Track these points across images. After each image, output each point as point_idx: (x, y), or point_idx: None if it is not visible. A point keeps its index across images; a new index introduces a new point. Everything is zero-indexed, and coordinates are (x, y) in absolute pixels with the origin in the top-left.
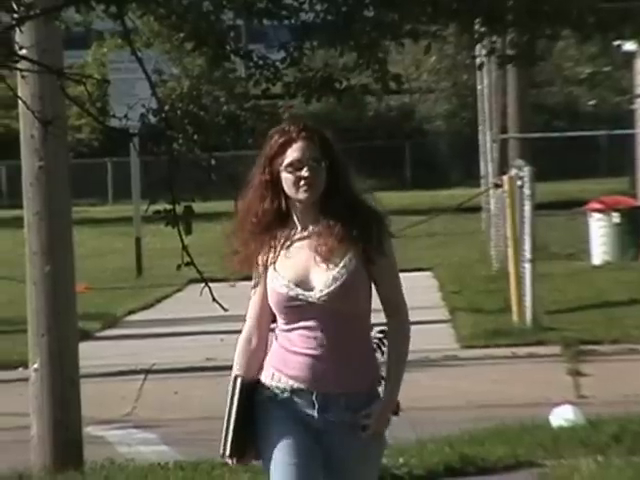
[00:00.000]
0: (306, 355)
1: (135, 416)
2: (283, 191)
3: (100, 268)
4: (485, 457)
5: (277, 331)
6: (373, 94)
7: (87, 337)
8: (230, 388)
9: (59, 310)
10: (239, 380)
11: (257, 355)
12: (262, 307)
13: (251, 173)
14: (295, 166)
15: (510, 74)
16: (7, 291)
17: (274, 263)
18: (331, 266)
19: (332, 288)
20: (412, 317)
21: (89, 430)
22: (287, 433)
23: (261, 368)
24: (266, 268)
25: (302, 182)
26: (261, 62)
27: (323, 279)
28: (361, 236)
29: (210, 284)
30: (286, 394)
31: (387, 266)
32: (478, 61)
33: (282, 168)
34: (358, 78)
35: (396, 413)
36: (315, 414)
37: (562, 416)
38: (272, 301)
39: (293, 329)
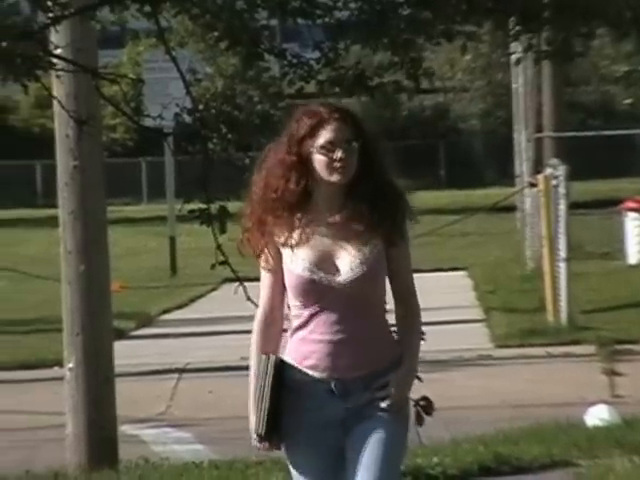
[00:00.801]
0: (324, 342)
1: (170, 415)
2: (310, 173)
3: (134, 267)
4: (520, 456)
5: (291, 318)
6: (405, 90)
7: (122, 336)
8: (261, 367)
9: (94, 309)
10: (272, 359)
11: (276, 332)
12: (277, 289)
13: (268, 150)
14: (328, 148)
15: (545, 72)
16: (42, 290)
17: (294, 245)
18: (356, 251)
19: (357, 273)
20: (447, 316)
21: (124, 429)
22: (314, 443)
23: (280, 344)
24: (285, 249)
25: (336, 164)
26: (295, 61)
27: (348, 264)
28: (387, 219)
29: (244, 283)
30: (307, 387)
31: (405, 251)
32: (514, 57)
33: (314, 150)
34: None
35: (429, 413)
36: (337, 402)
37: (597, 416)
38: (290, 284)
39: (310, 314)
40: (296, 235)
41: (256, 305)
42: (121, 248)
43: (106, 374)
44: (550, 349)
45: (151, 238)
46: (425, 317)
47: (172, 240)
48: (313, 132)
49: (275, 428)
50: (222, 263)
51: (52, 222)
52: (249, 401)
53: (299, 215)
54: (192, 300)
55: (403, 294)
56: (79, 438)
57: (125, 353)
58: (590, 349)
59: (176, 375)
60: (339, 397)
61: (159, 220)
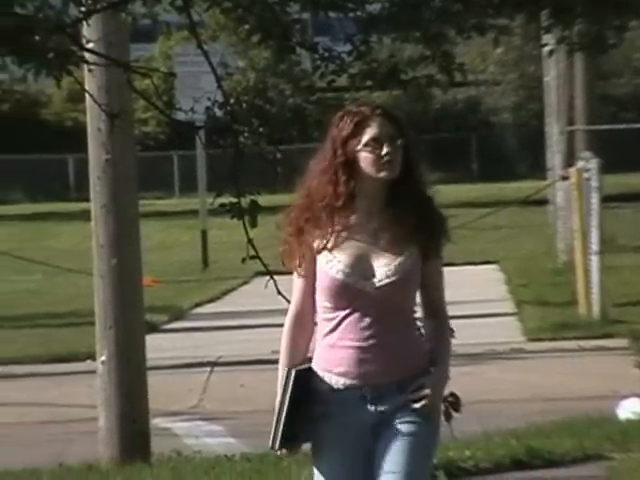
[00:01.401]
0: (354, 348)
1: (202, 408)
2: (356, 174)
3: (166, 261)
4: (552, 450)
5: (320, 323)
6: (438, 85)
7: (154, 330)
8: (282, 380)
9: (126, 303)
10: (293, 373)
11: (306, 336)
12: (309, 293)
13: (314, 160)
14: (374, 144)
15: (577, 65)
16: (75, 284)
17: (331, 247)
18: (394, 256)
19: (393, 279)
20: (479, 310)
21: (156, 422)
22: (342, 447)
23: (309, 348)
24: (321, 251)
25: (384, 159)
26: (327, 54)
27: (384, 269)
28: (426, 231)
29: (275, 277)
30: (338, 394)
31: (439, 267)
32: (546, 49)
33: (360, 147)
34: (424, 71)
35: (457, 409)
36: (368, 408)
37: (630, 409)
38: (323, 285)
39: (341, 318)
40: (334, 238)
41: (287, 300)
42: (153, 242)
43: (138, 367)
44: (582, 342)
45: (183, 232)
46: (457, 311)
47: (204, 234)
48: (357, 130)
49: (292, 438)
50: (253, 257)
51: (84, 216)
52: (275, 406)
53: (340, 219)
54: (224, 294)
55: (433, 310)
56: (112, 431)
57: (157, 346)
58: (623, 342)
59: (208, 368)
60: (371, 403)
61: (191, 214)
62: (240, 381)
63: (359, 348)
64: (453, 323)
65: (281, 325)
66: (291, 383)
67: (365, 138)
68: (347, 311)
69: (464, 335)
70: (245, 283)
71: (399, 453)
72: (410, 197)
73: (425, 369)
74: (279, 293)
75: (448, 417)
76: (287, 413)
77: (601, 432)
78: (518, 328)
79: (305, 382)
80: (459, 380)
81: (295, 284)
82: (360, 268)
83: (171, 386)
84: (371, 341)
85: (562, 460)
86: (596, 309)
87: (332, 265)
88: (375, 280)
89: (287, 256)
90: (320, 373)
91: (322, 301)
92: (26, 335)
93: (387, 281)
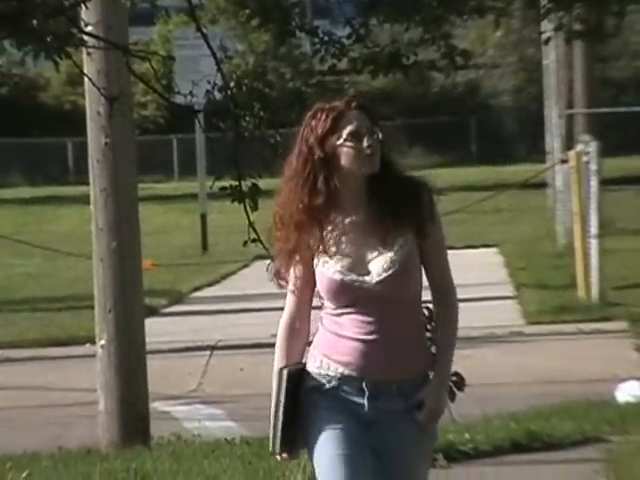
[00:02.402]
0: (358, 340)
1: (201, 392)
2: (336, 171)
3: (166, 244)
4: (551, 433)
5: (324, 315)
6: (440, 70)
7: (153, 313)
8: (276, 382)
9: (125, 286)
10: (285, 372)
11: (300, 342)
12: (305, 290)
13: (287, 162)
14: (355, 139)
15: (577, 49)
16: (74, 267)
17: (324, 249)
18: (387, 249)
19: (390, 272)
20: (479, 293)
21: (156, 406)
22: (334, 423)
23: (304, 354)
24: (315, 255)
25: (366, 152)
26: (326, 38)
27: (380, 263)
28: (414, 211)
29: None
30: (334, 382)
31: (439, 237)
32: (544, 36)
33: (340, 143)
34: (425, 54)
35: (461, 389)
36: (365, 402)
37: (629, 392)
38: (323, 287)
39: (343, 314)
40: (325, 239)
41: (287, 283)
42: (152, 225)
43: (138, 351)
44: (582, 325)
45: (182, 215)
46: (457, 294)
47: (203, 217)
48: (335, 126)
49: (292, 441)
50: (254, 241)
51: (84, 199)
52: (271, 410)
53: (326, 218)
54: (223, 277)
55: (438, 289)
56: (111, 415)
57: (156, 330)
58: (622, 325)
59: (207, 352)
60: (369, 398)
61: (190, 197)
62: (240, 365)
63: (362, 342)
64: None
65: (281, 309)
66: (284, 383)
67: (345, 133)
68: (349, 309)
69: (464, 318)
70: (245, 267)
71: (402, 462)
72: (392, 185)
73: (426, 370)
74: (272, 279)
75: (452, 397)
76: (284, 415)
77: (600, 415)
78: (517, 311)
79: (299, 382)
80: (459, 363)
81: (289, 295)
82: (356, 265)
83: (171, 370)
84: (374, 336)
85: (561, 443)
86: (595, 292)
87: (328, 267)
88: (373, 275)
89: (280, 273)
90: (320, 358)
91: (325, 300)
92: (25, 319)
93: (385, 275)
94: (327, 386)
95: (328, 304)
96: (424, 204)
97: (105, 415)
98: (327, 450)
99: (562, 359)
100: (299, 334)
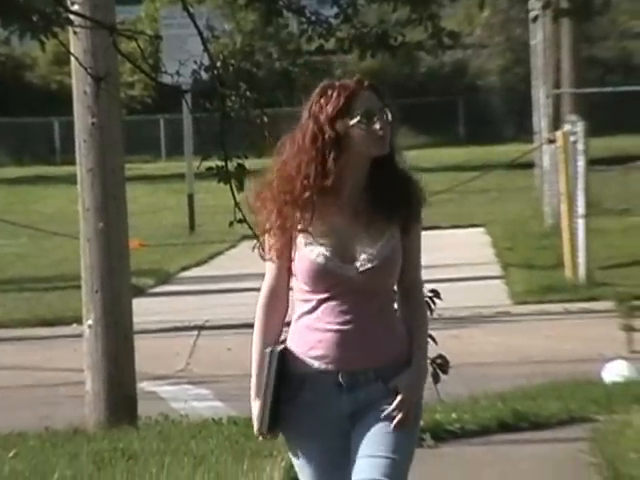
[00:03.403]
0: (332, 331)
1: (189, 372)
2: (345, 151)
3: (153, 225)
4: (538, 412)
5: (297, 303)
6: (428, 51)
7: (141, 293)
8: (265, 362)
9: (112, 266)
10: (275, 354)
11: (279, 319)
12: (284, 272)
13: (290, 136)
14: (368, 119)
15: (564, 29)
16: (61, 248)
17: (311, 230)
18: (375, 239)
19: (375, 263)
20: (466, 273)
21: (143, 386)
22: (319, 440)
23: (282, 332)
24: (298, 233)
25: (378, 134)
26: (314, 18)
27: (367, 252)
28: (405, 207)
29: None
30: (310, 379)
31: (418, 234)
32: (532, 14)
33: (353, 123)
34: (412, 35)
35: (445, 372)
36: (344, 396)
37: (615, 371)
38: (303, 270)
39: (320, 301)
40: (315, 220)
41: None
42: (139, 205)
43: (125, 331)
44: (568, 305)
45: (169, 195)
46: (443, 274)
47: (190, 197)
48: (348, 105)
49: (277, 420)
50: (240, 221)
51: (71, 179)
52: (251, 389)
53: (322, 199)
54: (211, 257)
55: (410, 286)
56: (98, 395)
57: (144, 310)
58: (608, 305)
59: (195, 332)
60: (347, 390)
61: (177, 177)
62: (227, 345)
63: (336, 332)
64: (440, 287)
65: None
66: (275, 364)
67: (358, 113)
68: (326, 295)
69: (450, 299)
70: (232, 247)
71: (380, 437)
72: (391, 175)
73: (404, 357)
74: (262, 259)
75: (437, 379)
76: (272, 396)
77: (586, 394)
78: (504, 291)
79: (283, 363)
80: (445, 343)
81: (269, 267)
82: (342, 252)
83: (158, 350)
84: (349, 326)
85: (548, 422)
86: (582, 272)
87: (313, 248)
88: (357, 265)
89: (268, 243)
90: (294, 355)
91: (300, 283)
92: (12, 299)
93: (369, 266)
94: (304, 385)
95: (304, 288)
96: (415, 202)
97: (92, 395)
98: (306, 464)
99: (549, 339)
100: (278, 311)
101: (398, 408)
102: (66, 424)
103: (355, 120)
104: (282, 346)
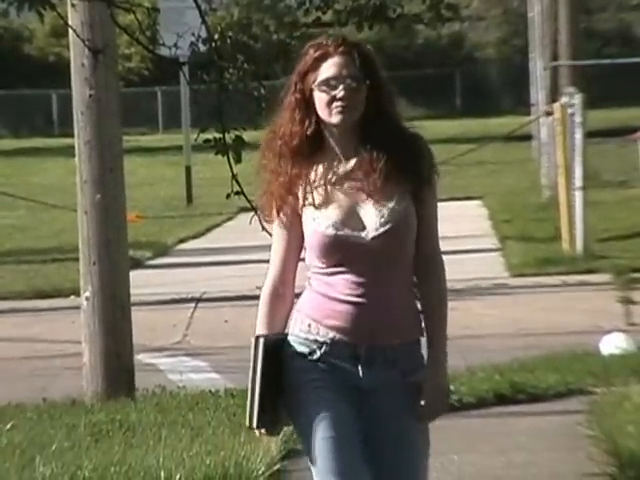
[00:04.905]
0: (350, 303)
1: (186, 344)
2: (316, 113)
3: (150, 197)
4: (535, 385)
5: (312, 276)
6: (427, 24)
7: (138, 266)
8: (252, 351)
9: (110, 239)
10: (261, 342)
11: (285, 308)
12: (290, 251)
13: (282, 93)
14: (329, 84)
15: (561, 1)
16: (59, 219)
17: (312, 201)
18: (382, 203)
19: (387, 227)
20: (463, 246)
21: (140, 358)
22: (323, 399)
23: (288, 321)
24: (303, 206)
25: (336, 103)
26: None
27: (375, 218)
28: (412, 170)
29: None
30: (325, 348)
31: (433, 201)
32: None
33: (315, 86)
34: (410, 6)
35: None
36: (359, 370)
37: (613, 344)
38: (312, 244)
39: (334, 273)
40: (316, 190)
41: (271, 235)
42: (137, 178)
43: (122, 303)
44: (566, 278)
45: (167, 168)
46: (441, 246)
47: (188, 170)
48: (315, 66)
49: (270, 413)
50: (237, 193)
51: (68, 151)
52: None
53: (314, 166)
54: (208, 230)
55: (427, 257)
56: (96, 367)
57: (141, 282)
58: (606, 277)
59: (192, 304)
60: (365, 365)
61: (175, 149)
62: (224, 317)
63: (357, 304)
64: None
65: (265, 261)
66: (261, 353)
67: (321, 77)
68: (341, 267)
69: (448, 271)
70: (229, 219)
71: (397, 429)
72: (386, 137)
73: (418, 333)
74: (264, 229)
75: None
76: (260, 387)
77: (584, 367)
78: (502, 264)
79: (277, 351)
80: None
81: (274, 245)
82: (350, 219)
83: (155, 322)
84: (367, 298)
85: (545, 394)
86: (579, 244)
87: (320, 221)
88: (368, 230)
89: (267, 204)
90: (307, 322)
91: (312, 259)
92: (10, 271)
93: (382, 229)
94: (317, 353)
95: (317, 263)
96: (424, 167)
97: (89, 367)
98: (316, 433)
99: (546, 311)
100: (283, 299)
101: (423, 412)
102: (64, 396)
103: (315, 83)
104: (280, 335)
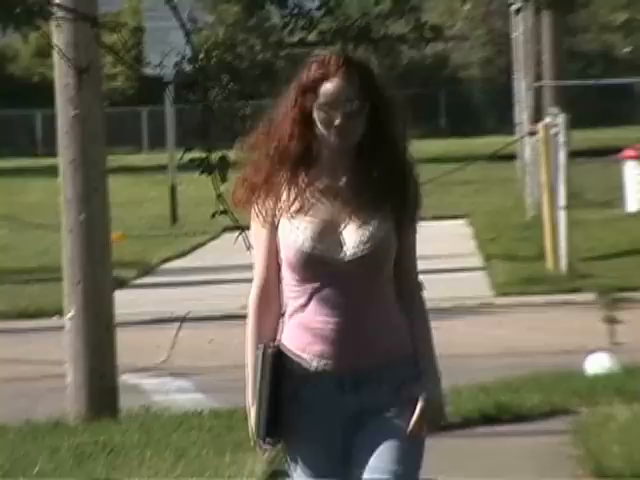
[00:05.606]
0: (328, 327)
1: (170, 364)
2: (315, 127)
3: (135, 216)
4: (520, 404)
5: (288, 301)
6: (411, 45)
7: (122, 285)
8: (259, 360)
9: (94, 258)
10: (270, 350)
11: (274, 318)
12: (271, 257)
13: (280, 98)
14: (329, 107)
15: (545, 21)
16: (43, 239)
17: (293, 212)
18: (366, 221)
19: (367, 246)
20: (447, 264)
21: (124, 378)
22: (312, 440)
23: (278, 329)
24: (282, 218)
25: (335, 125)
26: (296, 10)
27: (355, 237)
28: (399, 197)
29: (245, 232)
30: (312, 380)
31: (413, 233)
32: (514, 7)
33: (315, 105)
34: (394, 27)
35: None
36: (347, 397)
37: (597, 363)
38: (288, 258)
39: (310, 294)
40: (297, 201)
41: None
42: (121, 197)
43: (106, 323)
44: (550, 297)
45: (151, 187)
46: (426, 265)
47: (172, 189)
48: (315, 85)
49: (275, 425)
50: (222, 212)
51: (52, 171)
52: (247, 395)
53: (302, 177)
54: (193, 249)
55: (405, 281)
56: (79, 387)
57: (125, 302)
58: (590, 297)
59: (176, 324)
60: (350, 391)
61: (160, 169)
62: (209, 336)
63: (334, 327)
64: (422, 278)
65: (250, 280)
66: (270, 361)
67: (321, 99)
68: (317, 286)
69: (433, 290)
70: (214, 238)
71: (387, 449)
72: (379, 159)
73: (405, 349)
74: (248, 249)
75: None
76: (268, 399)
77: (569, 386)
78: (486, 283)
79: (279, 362)
80: None
81: (257, 251)
82: (328, 237)
83: (139, 342)
84: (346, 319)
85: (530, 414)
86: (563, 264)
87: (297, 235)
88: (346, 249)
89: (246, 198)
90: (292, 353)
91: (288, 277)
92: None
93: (361, 248)
94: (305, 385)
95: (292, 282)
96: (410, 197)
97: (74, 387)
98: (305, 469)
99: (531, 331)
100: (271, 306)
101: (417, 422)
102: (47, 417)
103: (315, 104)
104: (276, 344)
